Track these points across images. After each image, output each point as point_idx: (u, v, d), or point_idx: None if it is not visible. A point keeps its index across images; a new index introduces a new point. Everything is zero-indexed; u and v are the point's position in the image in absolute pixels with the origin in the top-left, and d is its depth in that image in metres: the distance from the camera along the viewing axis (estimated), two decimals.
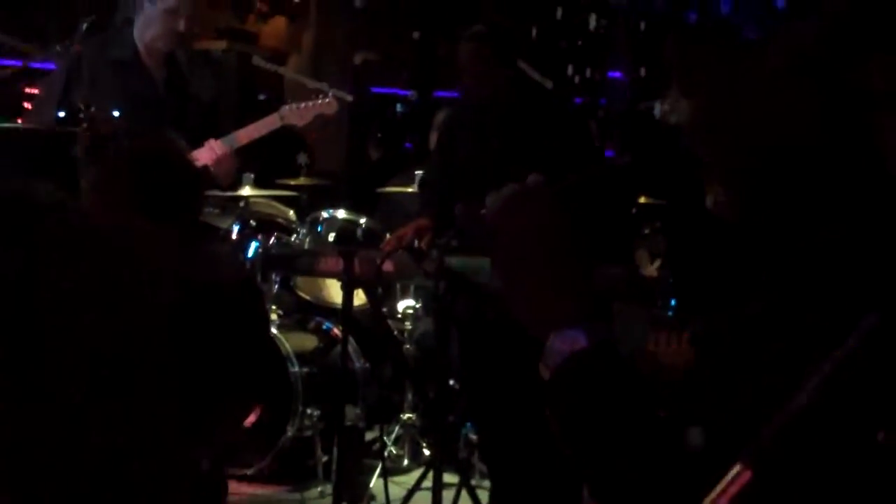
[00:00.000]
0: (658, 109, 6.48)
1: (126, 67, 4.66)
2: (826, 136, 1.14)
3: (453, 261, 3.57)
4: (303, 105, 4.97)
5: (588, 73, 7.19)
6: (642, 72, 7.05)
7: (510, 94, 3.98)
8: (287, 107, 4.97)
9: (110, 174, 2.70)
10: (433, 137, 6.19)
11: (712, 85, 1.21)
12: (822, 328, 1.05)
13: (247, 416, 2.95)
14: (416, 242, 4.02)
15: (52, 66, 4.83)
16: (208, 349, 2.78)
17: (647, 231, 5.90)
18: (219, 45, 8.17)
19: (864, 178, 1.11)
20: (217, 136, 4.71)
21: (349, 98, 6.83)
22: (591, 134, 4.13)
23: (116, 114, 4.56)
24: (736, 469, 1.02)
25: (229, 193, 5.39)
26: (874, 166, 1.11)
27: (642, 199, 5.91)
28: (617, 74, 7.41)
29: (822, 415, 1.01)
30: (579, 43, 7.38)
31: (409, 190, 5.64)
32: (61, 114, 4.58)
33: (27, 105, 5.30)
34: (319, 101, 5.03)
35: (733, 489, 1.01)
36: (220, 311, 2.80)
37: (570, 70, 7.20)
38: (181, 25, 4.60)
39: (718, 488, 1.02)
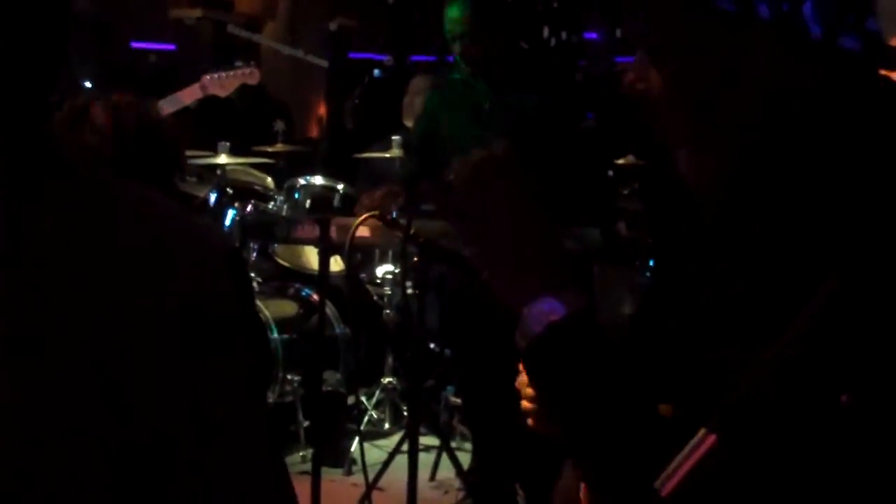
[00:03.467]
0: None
1: None
2: (810, 104, 1.15)
3: (427, 225, 3.57)
4: (224, 74, 4.95)
5: (564, 35, 7.17)
6: (618, 32, 7.04)
7: (500, 60, 3.94)
8: (208, 76, 4.94)
9: (90, 147, 2.69)
10: (407, 102, 6.18)
11: (684, 53, 1.20)
12: (787, 293, 1.06)
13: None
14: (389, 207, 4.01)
15: None
16: None
17: (625, 192, 5.91)
18: (194, 13, 8.12)
19: (843, 146, 1.11)
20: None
21: (325, 64, 6.80)
22: (581, 99, 4.09)
23: (88, 85, 4.54)
24: (700, 434, 1.03)
25: (206, 161, 5.38)
26: (858, 135, 1.11)
27: (620, 161, 5.92)
28: (593, 35, 7.40)
29: (785, 379, 1.02)
30: (555, 5, 7.36)
31: (388, 155, 5.63)
32: None
33: None
34: (241, 71, 5.01)
35: (698, 453, 1.03)
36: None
37: (545, 32, 7.18)
38: None
39: (683, 452, 1.03)
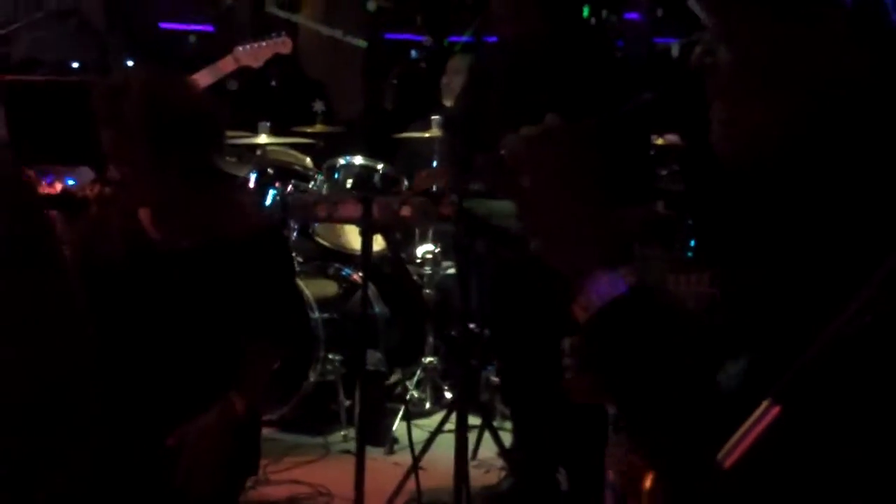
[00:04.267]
0: (676, 50, 6.43)
1: (70, 18, 4.67)
2: (876, 87, 1.14)
3: (472, 204, 3.57)
4: (256, 45, 4.94)
5: (604, 14, 7.13)
6: (659, 12, 6.99)
7: (547, 35, 3.87)
8: (241, 48, 4.94)
9: (131, 126, 2.70)
10: (445, 82, 6.16)
11: (755, 29, 1.20)
12: (850, 265, 1.05)
13: (277, 361, 2.97)
14: (434, 186, 4.00)
15: None
16: (239, 296, 2.80)
17: (664, 172, 5.88)
18: None
19: None
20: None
21: (363, 44, 6.80)
22: (631, 78, 4.02)
23: (130, 63, 4.57)
24: (764, 405, 1.02)
25: (246, 142, 5.39)
26: None
27: (660, 141, 5.89)
28: (634, 15, 7.35)
29: (850, 350, 1.01)
30: None
31: (427, 135, 5.62)
32: (75, 65, 4.59)
33: None
34: (273, 41, 5.00)
35: (762, 425, 1.02)
36: (249, 257, 2.82)
37: (585, 12, 7.14)
38: None
39: (746, 424, 1.03)
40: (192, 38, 7.76)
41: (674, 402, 1.17)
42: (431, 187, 3.90)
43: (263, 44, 4.94)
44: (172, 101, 2.75)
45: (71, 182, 4.31)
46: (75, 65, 4.60)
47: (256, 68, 5.03)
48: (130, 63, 4.60)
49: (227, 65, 4.85)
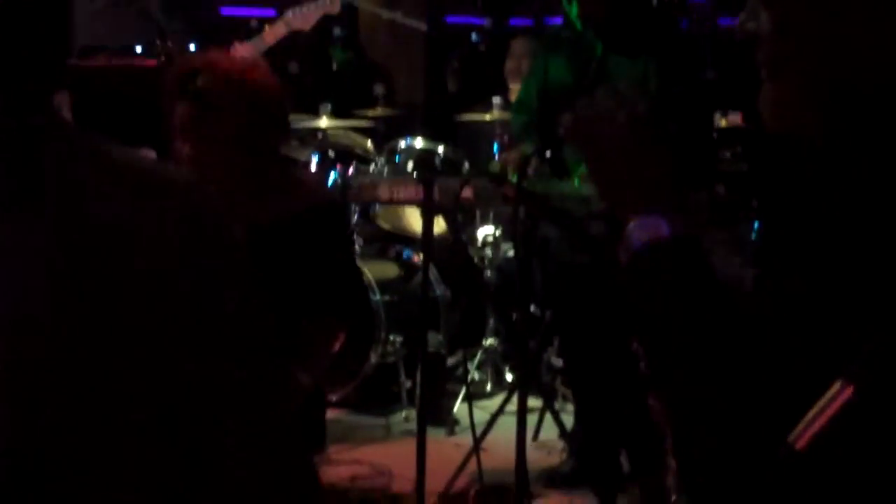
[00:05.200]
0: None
1: (122, 3, 4.70)
2: None
3: (535, 185, 3.56)
4: (305, 8, 4.97)
5: None
6: None
7: (614, 18, 3.84)
8: (290, 12, 4.97)
9: (203, 107, 2.73)
10: (508, 64, 6.15)
11: None
12: None
13: (338, 337, 2.99)
14: (498, 168, 4.00)
15: None
16: (301, 273, 2.82)
17: (727, 155, 5.82)
18: None
19: None
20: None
21: (423, 27, 6.80)
22: (695, 57, 3.98)
23: (193, 47, 4.60)
24: (836, 386, 1.01)
25: (307, 125, 5.42)
26: None
27: (723, 123, 5.83)
28: None
29: None
30: None
31: (487, 118, 5.61)
32: (138, 49, 4.63)
33: None
34: (321, 2, 5.02)
35: (834, 406, 1.01)
36: (312, 234, 2.84)
37: None
38: None
39: (818, 405, 1.01)
40: (253, 23, 7.81)
41: (695, 357, 1.15)
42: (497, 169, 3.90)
43: (312, 5, 4.98)
44: (258, 83, 2.78)
45: None
46: (138, 49, 4.64)
47: (307, 31, 5.06)
48: (193, 48, 4.63)
49: (278, 31, 4.89)
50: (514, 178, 3.55)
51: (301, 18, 4.94)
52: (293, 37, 5.06)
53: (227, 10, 7.92)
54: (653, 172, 1.25)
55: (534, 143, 4.15)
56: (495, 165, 4.09)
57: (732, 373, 1.13)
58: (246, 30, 7.76)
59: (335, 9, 5.07)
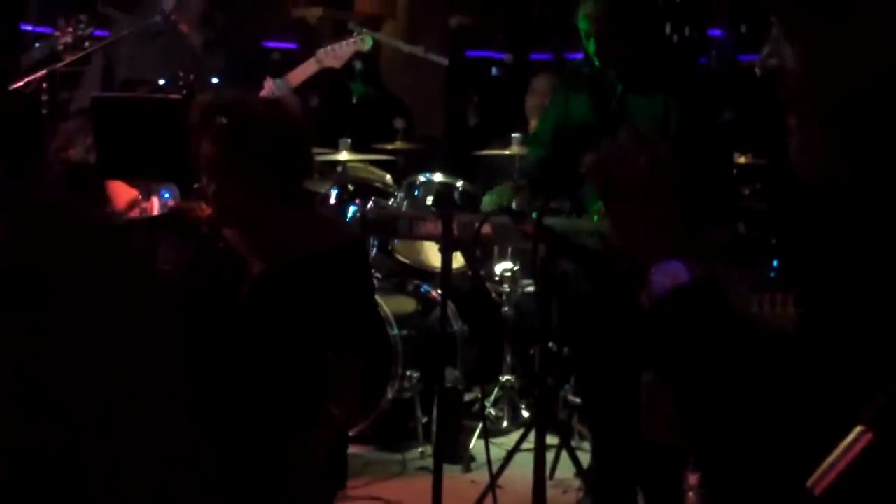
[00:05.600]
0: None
1: (161, 36, 4.73)
2: None
3: (554, 222, 3.55)
4: (337, 46, 5.02)
5: (687, 31, 7.07)
6: (743, 28, 6.92)
7: (633, 56, 3.83)
8: (322, 50, 5.01)
9: (228, 145, 2.74)
10: (530, 100, 6.16)
11: (820, 30, 1.17)
12: None
13: (364, 375, 2.98)
14: (513, 204, 3.99)
15: None
16: (326, 311, 2.82)
17: (746, 192, 5.81)
18: (314, 13, 8.22)
19: None
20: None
21: (445, 62, 6.83)
22: (714, 95, 3.96)
23: (215, 81, 4.62)
24: (856, 431, 1.00)
25: (327, 158, 5.43)
26: None
27: (742, 160, 5.82)
28: (717, 32, 7.28)
29: None
30: (677, 0, 7.26)
31: (507, 153, 5.62)
32: (161, 82, 4.65)
33: None
34: (352, 40, 5.07)
35: (853, 452, 0.99)
36: (336, 272, 2.84)
37: (668, 29, 7.10)
38: None
39: (838, 451, 1.00)
40: (275, 56, 7.86)
41: (728, 399, 1.14)
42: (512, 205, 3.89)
43: (343, 44, 5.03)
44: (282, 122, 2.79)
45: (167, 195, 4.38)
46: (161, 82, 4.67)
47: (339, 69, 5.11)
48: (215, 81, 4.65)
49: (309, 67, 4.93)
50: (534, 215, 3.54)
51: (332, 56, 4.99)
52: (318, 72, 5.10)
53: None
54: (671, 217, 1.26)
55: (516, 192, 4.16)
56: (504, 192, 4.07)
57: (754, 414, 1.12)
58: (270, 63, 7.81)
59: (366, 46, 5.12)
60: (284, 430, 2.76)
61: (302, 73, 4.91)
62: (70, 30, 4.82)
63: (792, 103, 1.21)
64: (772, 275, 4.89)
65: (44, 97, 4.41)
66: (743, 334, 1.18)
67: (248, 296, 2.83)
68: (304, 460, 2.74)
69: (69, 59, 4.72)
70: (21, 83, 4.49)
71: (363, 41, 5.08)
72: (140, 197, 4.45)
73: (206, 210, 2.86)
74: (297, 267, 2.83)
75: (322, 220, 3.18)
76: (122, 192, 4.46)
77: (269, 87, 4.79)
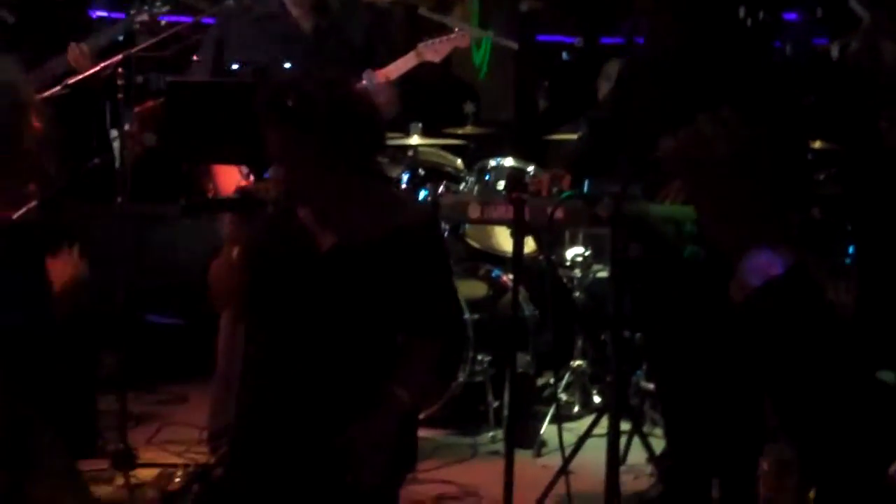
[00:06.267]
0: (835, 50, 6.26)
1: (272, 20, 4.74)
2: None
3: (629, 206, 3.52)
4: (437, 41, 5.01)
5: (761, 15, 6.98)
6: (819, 12, 6.81)
7: (698, 42, 3.76)
8: (422, 44, 5.00)
9: (293, 128, 2.75)
10: (601, 85, 6.12)
11: None
12: None
13: (436, 355, 2.99)
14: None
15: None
16: (399, 290, 2.84)
17: (822, 177, 5.73)
18: None
19: None
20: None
21: (515, 46, 6.81)
22: (790, 80, 3.88)
23: (288, 65, 4.64)
24: None
25: (398, 143, 5.45)
26: None
27: (817, 145, 5.73)
28: (792, 16, 7.17)
29: None
30: None
31: (577, 137, 5.58)
32: (235, 66, 4.69)
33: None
34: (453, 36, 5.06)
35: None
36: (410, 250, 2.85)
37: (741, 13, 7.00)
38: None
39: None
40: None
41: (822, 388, 1.14)
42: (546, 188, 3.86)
43: (444, 38, 5.03)
44: (348, 101, 2.81)
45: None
46: (235, 66, 4.70)
47: (438, 63, 5.11)
48: (287, 65, 4.67)
49: (409, 60, 4.94)
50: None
51: (433, 50, 4.99)
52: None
53: None
54: (756, 204, 1.24)
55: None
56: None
57: (849, 397, 1.12)
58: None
59: (466, 42, 5.12)
60: (350, 411, 2.78)
61: (402, 65, 4.92)
62: (146, 9, 4.88)
63: (889, 96, 1.20)
64: (847, 261, 4.82)
65: (119, 82, 4.44)
66: (838, 325, 1.17)
67: (318, 271, 2.85)
68: (369, 441, 2.75)
69: (145, 44, 4.77)
70: (97, 67, 4.53)
71: (463, 37, 5.08)
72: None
73: (273, 190, 2.88)
74: (368, 243, 2.84)
75: (396, 197, 3.19)
76: (229, 177, 4.48)
77: (371, 76, 4.79)
